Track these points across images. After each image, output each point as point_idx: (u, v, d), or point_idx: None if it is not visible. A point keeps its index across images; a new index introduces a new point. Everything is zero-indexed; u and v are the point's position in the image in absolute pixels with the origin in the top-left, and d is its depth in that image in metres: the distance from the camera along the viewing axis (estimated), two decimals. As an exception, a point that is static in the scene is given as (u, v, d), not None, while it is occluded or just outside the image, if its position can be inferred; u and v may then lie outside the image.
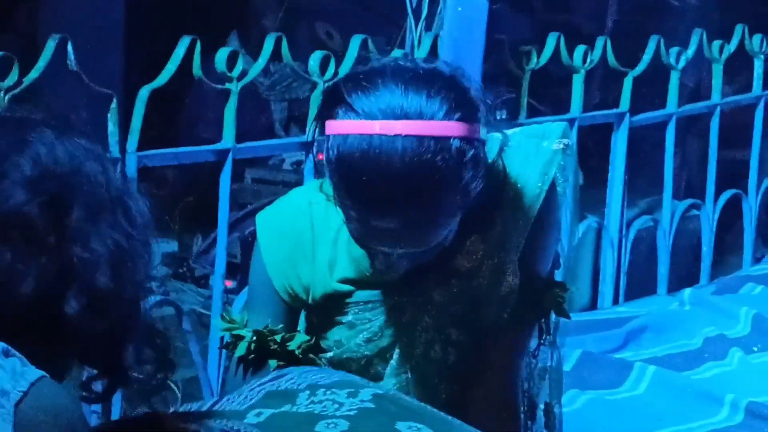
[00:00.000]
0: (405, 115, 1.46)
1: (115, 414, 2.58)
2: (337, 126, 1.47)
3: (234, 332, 1.62)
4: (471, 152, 1.47)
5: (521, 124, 3.37)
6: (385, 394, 1.33)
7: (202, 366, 2.74)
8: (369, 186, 1.44)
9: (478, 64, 2.88)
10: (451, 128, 1.46)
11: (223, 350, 2.03)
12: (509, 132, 1.61)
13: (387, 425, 1.26)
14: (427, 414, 1.32)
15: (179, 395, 2.98)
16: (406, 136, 1.44)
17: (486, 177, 1.51)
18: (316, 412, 1.27)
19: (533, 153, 1.63)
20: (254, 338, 1.60)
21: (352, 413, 1.27)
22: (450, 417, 1.36)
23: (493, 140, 1.57)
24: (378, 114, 1.46)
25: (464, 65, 2.74)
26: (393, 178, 1.44)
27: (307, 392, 1.31)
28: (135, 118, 2.61)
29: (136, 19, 3.68)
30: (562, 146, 1.64)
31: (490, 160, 1.56)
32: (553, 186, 1.63)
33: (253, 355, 1.60)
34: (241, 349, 1.61)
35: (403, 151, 1.44)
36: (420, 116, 1.46)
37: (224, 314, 1.66)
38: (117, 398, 2.57)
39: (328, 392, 1.30)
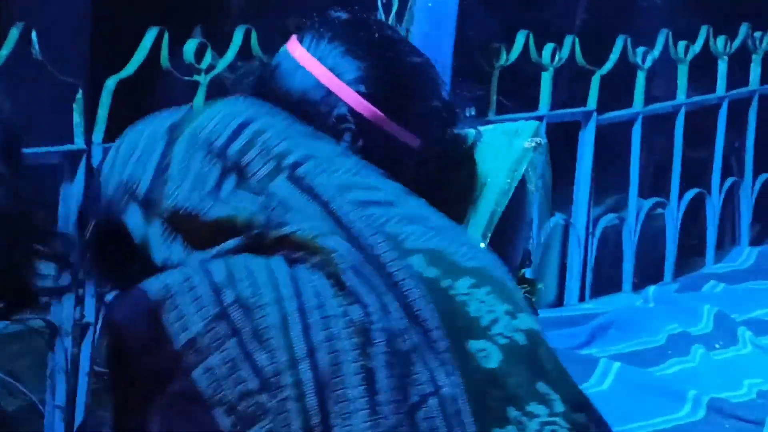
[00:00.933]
0: None
1: (80, 409, 2.55)
2: None
3: None
4: None
5: (490, 121, 3.38)
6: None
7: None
8: None
9: (448, 60, 2.88)
10: None
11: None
12: (482, 128, 1.63)
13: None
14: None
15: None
16: None
17: (456, 172, 1.53)
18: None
19: (504, 149, 1.64)
20: None
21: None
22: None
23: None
24: None
25: (434, 61, 2.74)
26: None
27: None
28: (101, 109, 2.58)
29: (103, 7, 3.64)
30: (534, 144, 1.65)
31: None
32: (523, 183, 1.64)
33: None
34: None
35: None
36: None
37: None
38: (82, 392, 2.54)
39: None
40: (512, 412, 1.20)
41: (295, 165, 1.25)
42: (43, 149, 2.47)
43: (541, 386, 1.22)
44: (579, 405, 1.24)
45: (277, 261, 1.20)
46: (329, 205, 1.24)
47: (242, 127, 1.27)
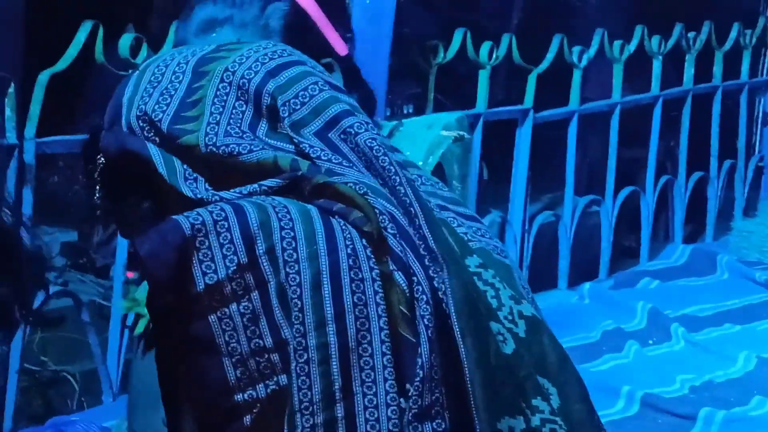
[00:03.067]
0: None
1: (9, 407, 2.51)
2: None
3: (135, 310, 1.61)
4: None
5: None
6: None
7: (101, 359, 2.69)
8: None
9: (385, 58, 2.88)
10: None
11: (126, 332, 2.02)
12: (404, 120, 1.65)
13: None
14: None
15: (77, 388, 2.92)
16: None
17: None
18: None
19: (420, 137, 1.66)
20: None
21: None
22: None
23: (386, 126, 1.60)
24: None
25: (371, 58, 2.74)
26: None
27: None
28: (34, 104, 2.55)
29: (37, 0, 3.59)
30: (453, 135, 1.67)
31: None
32: (439, 169, 1.65)
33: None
34: (140, 327, 1.60)
35: None
36: None
37: (127, 293, 1.66)
38: (12, 390, 2.51)
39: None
40: (520, 403, 1.18)
41: (338, 117, 1.18)
42: (-26, 144, 2.43)
43: (541, 379, 1.19)
44: (577, 397, 1.21)
45: (315, 210, 1.13)
46: (375, 162, 1.18)
47: (280, 69, 1.20)
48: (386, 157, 1.18)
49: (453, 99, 3.85)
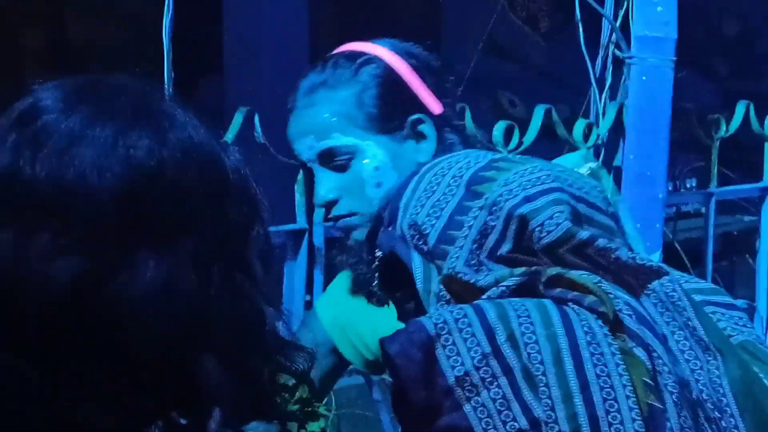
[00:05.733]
0: None
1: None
2: None
3: None
4: None
5: (711, 194, 3.29)
6: None
7: (391, 435, 2.73)
8: None
9: (665, 133, 2.82)
10: None
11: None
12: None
13: None
14: None
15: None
16: None
17: None
18: None
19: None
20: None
21: None
22: None
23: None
24: None
25: (651, 133, 2.70)
26: None
27: None
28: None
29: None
30: (587, 169, 1.72)
31: None
32: None
33: None
34: None
35: None
36: None
37: None
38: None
39: None
40: None
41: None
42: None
43: None
44: None
45: (549, 301, 1.20)
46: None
47: (538, 195, 1.26)
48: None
49: (739, 172, 3.71)
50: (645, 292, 1.25)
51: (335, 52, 1.71)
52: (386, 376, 3.31)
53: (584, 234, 1.24)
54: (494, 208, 1.25)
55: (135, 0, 4.97)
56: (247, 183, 0.89)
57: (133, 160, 0.83)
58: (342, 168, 1.66)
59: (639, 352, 1.16)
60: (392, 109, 1.65)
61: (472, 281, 1.23)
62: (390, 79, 1.65)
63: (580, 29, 2.79)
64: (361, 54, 1.67)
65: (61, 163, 0.82)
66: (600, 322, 1.17)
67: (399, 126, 1.65)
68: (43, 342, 0.81)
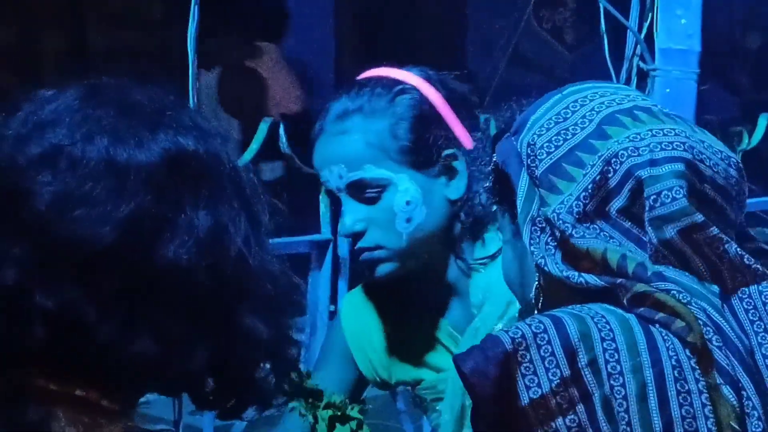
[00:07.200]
0: None
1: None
2: None
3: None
4: None
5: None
6: None
7: (415, 445, 2.73)
8: None
9: (688, 145, 2.83)
10: None
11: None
12: None
13: None
14: None
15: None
16: None
17: None
18: None
19: None
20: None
21: None
22: None
23: None
24: None
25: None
26: None
27: None
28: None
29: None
30: None
31: None
32: None
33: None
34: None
35: None
36: None
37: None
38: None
39: None
40: None
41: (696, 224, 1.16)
42: (293, 239, 2.55)
43: None
44: None
45: (634, 319, 1.13)
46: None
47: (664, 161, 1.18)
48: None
49: (761, 184, 3.71)
50: (739, 294, 1.17)
51: (368, 76, 1.68)
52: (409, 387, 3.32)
53: (699, 217, 1.16)
54: (614, 160, 1.17)
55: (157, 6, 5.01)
56: (248, 176, 1.02)
57: (178, 143, 0.99)
58: (372, 200, 1.63)
59: (728, 391, 1.10)
60: (426, 143, 1.62)
61: (568, 233, 1.15)
62: (425, 112, 1.62)
63: (605, 41, 2.80)
64: (397, 82, 1.64)
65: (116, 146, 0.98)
66: (688, 352, 1.11)
67: (432, 161, 1.63)
68: (105, 285, 0.94)
